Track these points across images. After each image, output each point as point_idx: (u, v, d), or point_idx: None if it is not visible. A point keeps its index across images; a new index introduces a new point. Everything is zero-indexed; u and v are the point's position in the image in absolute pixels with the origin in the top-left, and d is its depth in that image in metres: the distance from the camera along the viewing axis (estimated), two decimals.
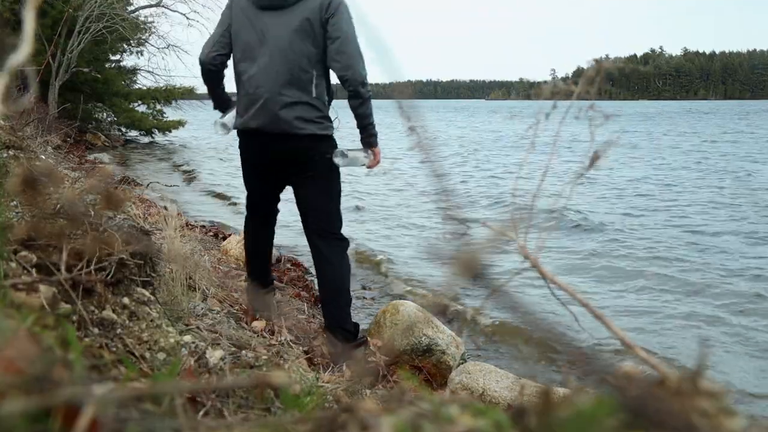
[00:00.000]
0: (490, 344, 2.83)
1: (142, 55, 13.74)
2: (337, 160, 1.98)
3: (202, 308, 1.25)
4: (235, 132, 2.11)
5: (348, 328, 2.05)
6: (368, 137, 2.00)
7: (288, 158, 1.99)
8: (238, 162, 2.22)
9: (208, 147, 13.41)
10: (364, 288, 3.68)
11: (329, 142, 2.00)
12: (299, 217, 2.13)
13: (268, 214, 2.25)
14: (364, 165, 2.04)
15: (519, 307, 0.37)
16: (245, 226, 2.30)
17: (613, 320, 0.42)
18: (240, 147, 2.11)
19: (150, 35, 13.29)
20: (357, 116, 1.98)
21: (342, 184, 2.11)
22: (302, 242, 4.53)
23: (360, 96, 1.92)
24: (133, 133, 14.35)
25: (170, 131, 14.47)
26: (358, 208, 6.46)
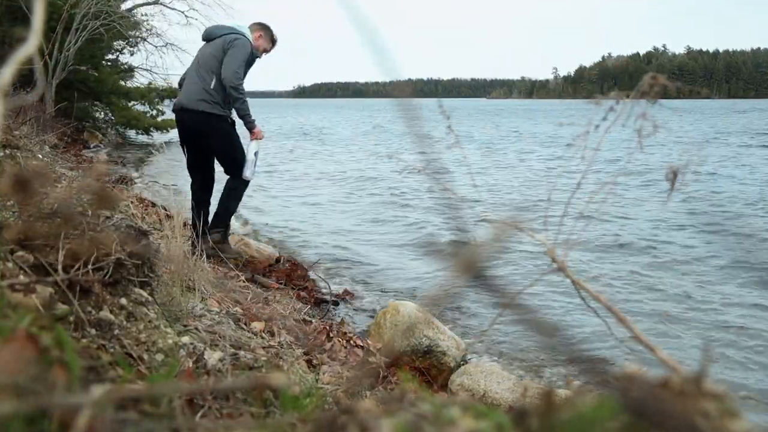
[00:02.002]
0: (492, 345, 2.81)
1: (138, 50, 13.65)
2: (247, 170, 3.29)
3: (201, 309, 1.25)
4: None
5: (219, 231, 3.27)
6: (248, 123, 3.26)
7: (194, 126, 3.25)
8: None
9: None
10: (364, 286, 3.67)
11: (220, 118, 3.23)
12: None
13: (206, 179, 3.37)
14: (256, 149, 3.30)
15: (524, 308, 0.37)
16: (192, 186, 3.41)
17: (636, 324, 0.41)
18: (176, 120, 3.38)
19: (148, 34, 13.23)
20: (236, 109, 3.20)
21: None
22: (303, 245, 4.52)
23: (234, 95, 3.14)
24: (131, 132, 14.29)
25: (168, 130, 14.42)
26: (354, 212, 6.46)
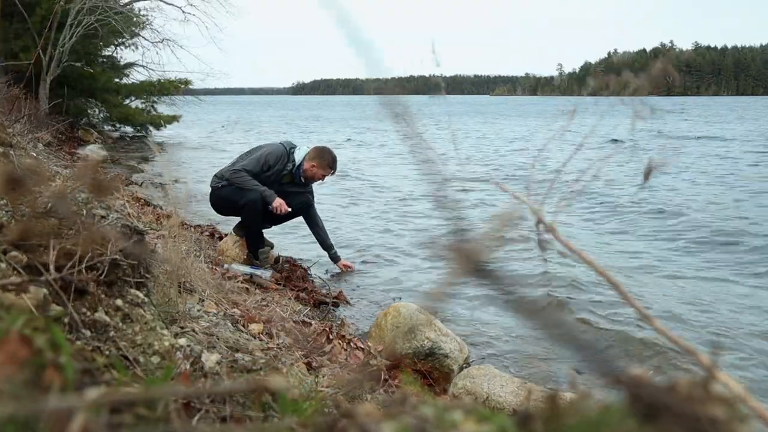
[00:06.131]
0: (495, 347, 2.77)
1: (136, 48, 13.57)
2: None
3: (198, 310, 1.24)
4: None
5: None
6: (267, 197, 3.55)
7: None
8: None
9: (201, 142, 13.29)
10: (364, 286, 3.66)
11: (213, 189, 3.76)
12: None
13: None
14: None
15: (531, 308, 0.36)
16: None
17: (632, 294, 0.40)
18: None
19: (143, 28, 13.14)
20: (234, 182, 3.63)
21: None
22: (303, 247, 4.51)
23: (229, 179, 3.62)
24: (128, 129, 14.22)
25: (165, 126, 14.34)
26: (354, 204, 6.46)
